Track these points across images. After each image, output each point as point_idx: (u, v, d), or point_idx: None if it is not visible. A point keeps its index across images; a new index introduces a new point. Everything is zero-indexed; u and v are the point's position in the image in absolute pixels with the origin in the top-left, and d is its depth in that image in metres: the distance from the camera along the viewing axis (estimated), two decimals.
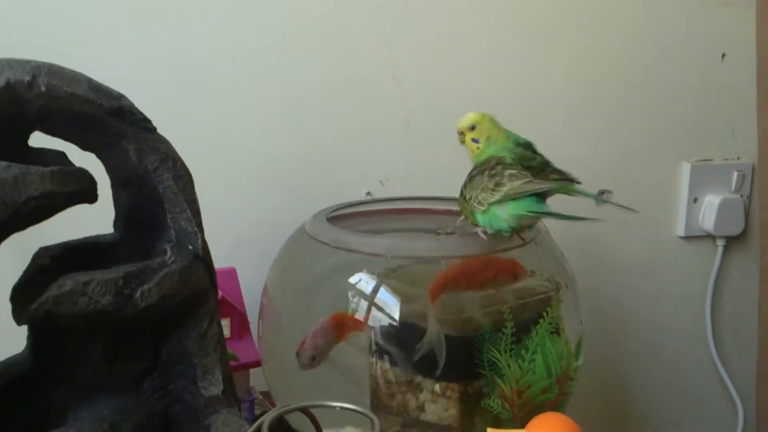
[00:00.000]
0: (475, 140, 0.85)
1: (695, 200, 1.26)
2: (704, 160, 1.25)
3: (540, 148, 0.86)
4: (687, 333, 1.31)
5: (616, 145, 1.22)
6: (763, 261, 1.00)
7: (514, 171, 0.78)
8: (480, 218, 0.80)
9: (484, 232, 0.81)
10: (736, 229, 1.27)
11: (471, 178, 0.82)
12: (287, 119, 1.08)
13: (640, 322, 1.29)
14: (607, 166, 1.20)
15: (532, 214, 0.77)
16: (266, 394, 0.96)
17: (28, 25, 0.97)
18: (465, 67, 1.14)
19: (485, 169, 0.80)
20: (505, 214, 0.77)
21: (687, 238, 1.27)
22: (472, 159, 0.86)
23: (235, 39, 1.05)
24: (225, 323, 0.94)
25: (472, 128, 0.85)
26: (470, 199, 0.80)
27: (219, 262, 0.72)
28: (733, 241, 1.28)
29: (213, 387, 0.65)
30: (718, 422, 1.36)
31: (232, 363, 0.83)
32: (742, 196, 1.26)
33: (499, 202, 0.77)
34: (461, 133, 0.86)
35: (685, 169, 1.25)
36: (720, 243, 1.28)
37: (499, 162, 0.80)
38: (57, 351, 0.63)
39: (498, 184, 0.77)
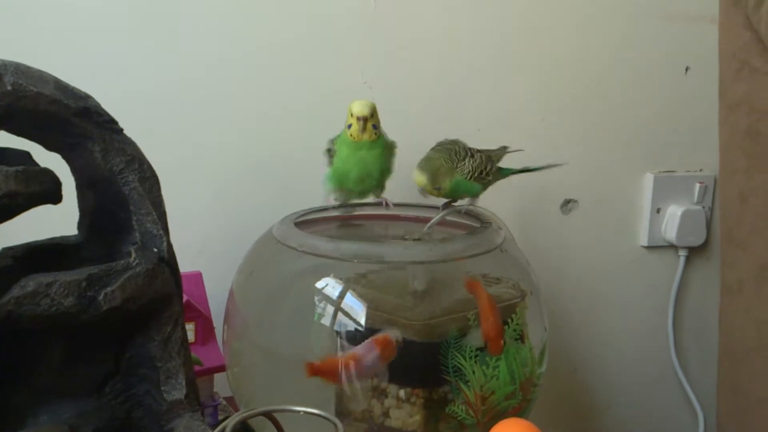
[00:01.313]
0: (374, 126, 0.89)
1: (658, 211, 1.28)
2: (667, 171, 1.27)
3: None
4: (649, 341, 1.33)
5: (582, 155, 1.23)
6: (724, 271, 1.02)
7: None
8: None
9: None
10: (697, 239, 1.29)
11: (465, 156, 0.89)
12: (256, 123, 1.08)
13: (603, 330, 1.31)
14: (572, 176, 1.21)
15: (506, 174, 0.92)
16: (230, 400, 0.96)
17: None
18: (436, 74, 1.14)
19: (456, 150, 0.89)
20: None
21: (650, 247, 1.29)
22: (366, 141, 0.89)
23: (206, 44, 1.04)
24: (189, 327, 0.93)
25: (372, 115, 0.89)
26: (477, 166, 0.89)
27: (185, 265, 0.71)
28: (694, 252, 1.31)
29: (176, 391, 0.65)
30: (678, 430, 1.37)
31: (196, 368, 0.82)
32: (704, 207, 1.28)
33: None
34: (365, 120, 0.88)
35: (649, 180, 1.27)
36: (682, 253, 1.30)
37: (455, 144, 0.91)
38: (17, 353, 0.62)
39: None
